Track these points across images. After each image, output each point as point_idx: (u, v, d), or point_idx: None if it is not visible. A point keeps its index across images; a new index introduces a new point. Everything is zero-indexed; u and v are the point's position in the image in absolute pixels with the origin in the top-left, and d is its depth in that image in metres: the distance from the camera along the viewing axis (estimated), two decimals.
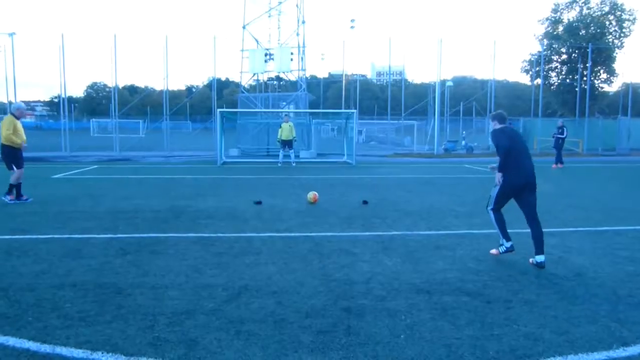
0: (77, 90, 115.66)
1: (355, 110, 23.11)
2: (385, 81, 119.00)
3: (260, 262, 6.13)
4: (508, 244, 6.46)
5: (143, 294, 4.93)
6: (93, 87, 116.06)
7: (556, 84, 36.40)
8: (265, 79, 29.19)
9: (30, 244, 6.93)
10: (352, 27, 74.16)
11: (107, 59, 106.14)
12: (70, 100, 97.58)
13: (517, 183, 6.39)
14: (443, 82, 34.88)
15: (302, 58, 26.95)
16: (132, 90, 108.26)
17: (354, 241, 7.26)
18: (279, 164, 20.45)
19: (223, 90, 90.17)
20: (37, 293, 4.94)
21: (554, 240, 7.33)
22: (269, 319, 4.34)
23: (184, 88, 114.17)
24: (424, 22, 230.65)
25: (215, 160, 21.89)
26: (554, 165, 20.61)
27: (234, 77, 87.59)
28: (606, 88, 36.51)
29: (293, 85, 29.83)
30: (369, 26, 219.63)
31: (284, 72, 27.58)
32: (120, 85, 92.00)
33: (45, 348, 3.74)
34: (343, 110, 27.88)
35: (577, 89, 32.59)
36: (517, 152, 6.28)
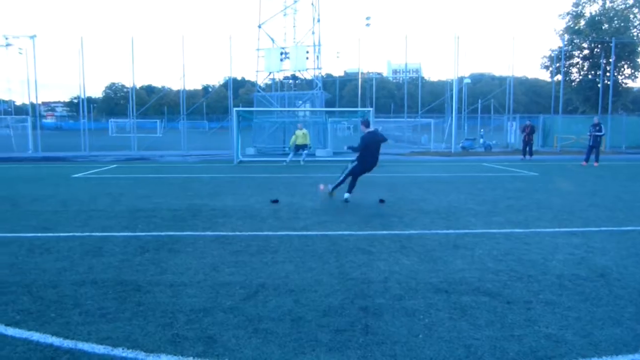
0: (96, 91, 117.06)
1: (371, 109, 22.99)
2: (401, 79, 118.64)
3: (278, 260, 6.13)
4: (347, 195, 10.60)
5: (162, 292, 4.96)
6: (111, 87, 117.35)
7: (577, 80, 35.84)
8: (281, 78, 29.18)
9: (52, 242, 7.01)
10: (367, 24, 74.02)
11: (125, 60, 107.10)
12: (90, 100, 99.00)
13: (368, 167, 10.74)
14: (461, 79, 34.58)
15: (317, 57, 26.93)
16: (149, 90, 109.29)
17: (371, 240, 7.23)
18: (285, 163, 20.43)
19: (239, 89, 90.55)
20: (59, 290, 5.00)
21: (577, 240, 7.23)
22: (286, 317, 4.34)
23: (200, 87, 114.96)
24: (440, 19, 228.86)
25: (231, 159, 21.97)
26: (583, 163, 20.38)
27: (250, 77, 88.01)
28: (630, 84, 35.84)
29: (309, 84, 29.82)
30: (384, 23, 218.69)
31: (299, 71, 27.54)
32: (138, 86, 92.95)
33: (68, 343, 3.79)
34: (359, 109, 27.82)
35: (599, 85, 32.05)
36: (373, 149, 10.63)
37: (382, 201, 10.66)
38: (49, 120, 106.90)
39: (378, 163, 10.92)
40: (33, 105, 30.04)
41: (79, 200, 10.82)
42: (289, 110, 26.21)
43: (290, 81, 30.46)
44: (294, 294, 4.91)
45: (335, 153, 26.20)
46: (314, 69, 27.48)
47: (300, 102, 27.75)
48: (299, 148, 20.71)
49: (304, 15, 28.25)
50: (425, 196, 11.56)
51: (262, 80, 29.44)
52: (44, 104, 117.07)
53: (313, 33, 27.32)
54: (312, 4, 27.43)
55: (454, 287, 5.16)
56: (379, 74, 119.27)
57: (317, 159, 23.86)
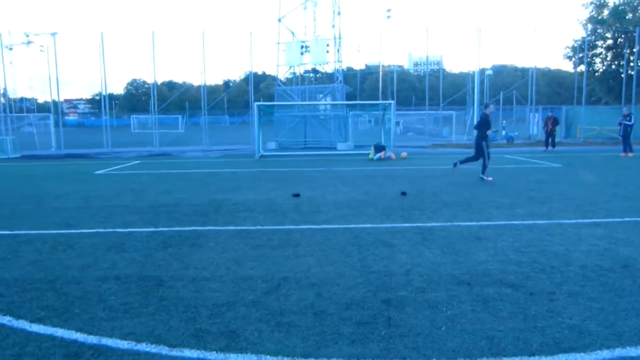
0: (118, 88, 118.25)
1: (392, 101, 22.89)
2: (422, 71, 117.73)
3: (299, 254, 6.15)
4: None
5: (185, 287, 5.01)
6: (133, 84, 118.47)
7: (601, 70, 35.17)
8: (302, 71, 29.18)
9: (75, 238, 7.13)
10: (388, 17, 73.64)
11: (146, 56, 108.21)
12: (111, 97, 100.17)
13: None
14: (482, 71, 34.18)
15: (338, 50, 26.85)
16: (170, 86, 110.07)
17: (393, 232, 7.21)
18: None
19: (260, 84, 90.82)
20: (82, 286, 5.08)
21: (600, 231, 7.12)
22: (308, 310, 4.35)
23: (221, 83, 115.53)
24: (462, 10, 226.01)
25: (253, 154, 22.07)
26: (622, 154, 20.34)
27: (271, 71, 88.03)
28: None
29: (330, 78, 29.76)
30: (405, 16, 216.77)
31: (320, 65, 27.49)
32: (159, 82, 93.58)
33: (92, 339, 3.85)
34: (380, 102, 27.68)
35: (623, 76, 31.41)
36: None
37: (403, 194, 10.62)
38: (71, 117, 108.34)
39: None
40: (55, 103, 30.42)
41: (102, 197, 10.97)
42: (309, 104, 26.15)
43: (311, 75, 30.41)
44: (315, 288, 4.93)
45: (357, 146, 26.15)
46: (335, 62, 27.41)
47: (321, 95, 27.71)
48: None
49: (324, 8, 28.05)
50: (446, 188, 11.48)
51: (282, 74, 29.50)
52: (66, 101, 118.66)
53: (333, 26, 27.23)
54: None
55: (476, 279, 5.13)
56: (400, 66, 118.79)
57: (338, 152, 23.84)
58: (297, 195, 10.60)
